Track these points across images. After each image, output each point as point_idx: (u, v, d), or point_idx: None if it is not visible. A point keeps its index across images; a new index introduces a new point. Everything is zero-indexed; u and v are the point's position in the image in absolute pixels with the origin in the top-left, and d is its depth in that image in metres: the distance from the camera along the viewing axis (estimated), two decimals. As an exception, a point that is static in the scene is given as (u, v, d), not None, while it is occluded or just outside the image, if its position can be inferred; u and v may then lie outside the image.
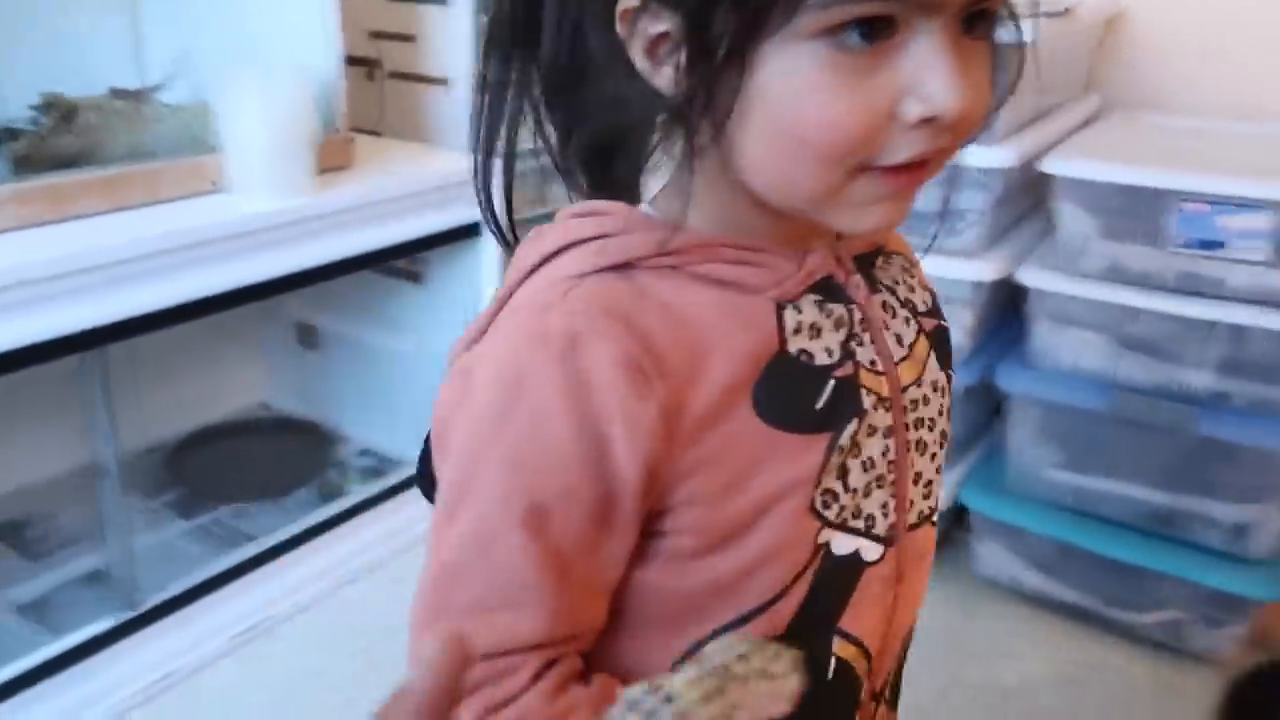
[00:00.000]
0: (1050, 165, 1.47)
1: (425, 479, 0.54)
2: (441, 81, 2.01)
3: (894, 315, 0.54)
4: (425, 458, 0.54)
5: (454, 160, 1.80)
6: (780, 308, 0.49)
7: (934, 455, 0.56)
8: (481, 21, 2.09)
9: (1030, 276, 1.52)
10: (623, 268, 0.48)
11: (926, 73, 0.42)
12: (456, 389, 0.49)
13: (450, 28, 1.97)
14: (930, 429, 0.55)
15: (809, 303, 0.50)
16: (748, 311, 0.49)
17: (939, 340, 0.57)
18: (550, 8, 0.48)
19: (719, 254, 0.49)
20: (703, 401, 0.47)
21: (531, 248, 0.51)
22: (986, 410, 1.68)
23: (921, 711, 1.39)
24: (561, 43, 0.49)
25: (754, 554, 0.48)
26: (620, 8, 0.45)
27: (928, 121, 0.42)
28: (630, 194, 0.52)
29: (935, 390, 0.56)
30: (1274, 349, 1.37)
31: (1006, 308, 1.63)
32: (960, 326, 1.54)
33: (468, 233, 1.71)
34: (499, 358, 0.47)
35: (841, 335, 0.51)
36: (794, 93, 0.42)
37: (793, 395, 0.49)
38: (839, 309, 0.51)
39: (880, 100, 0.42)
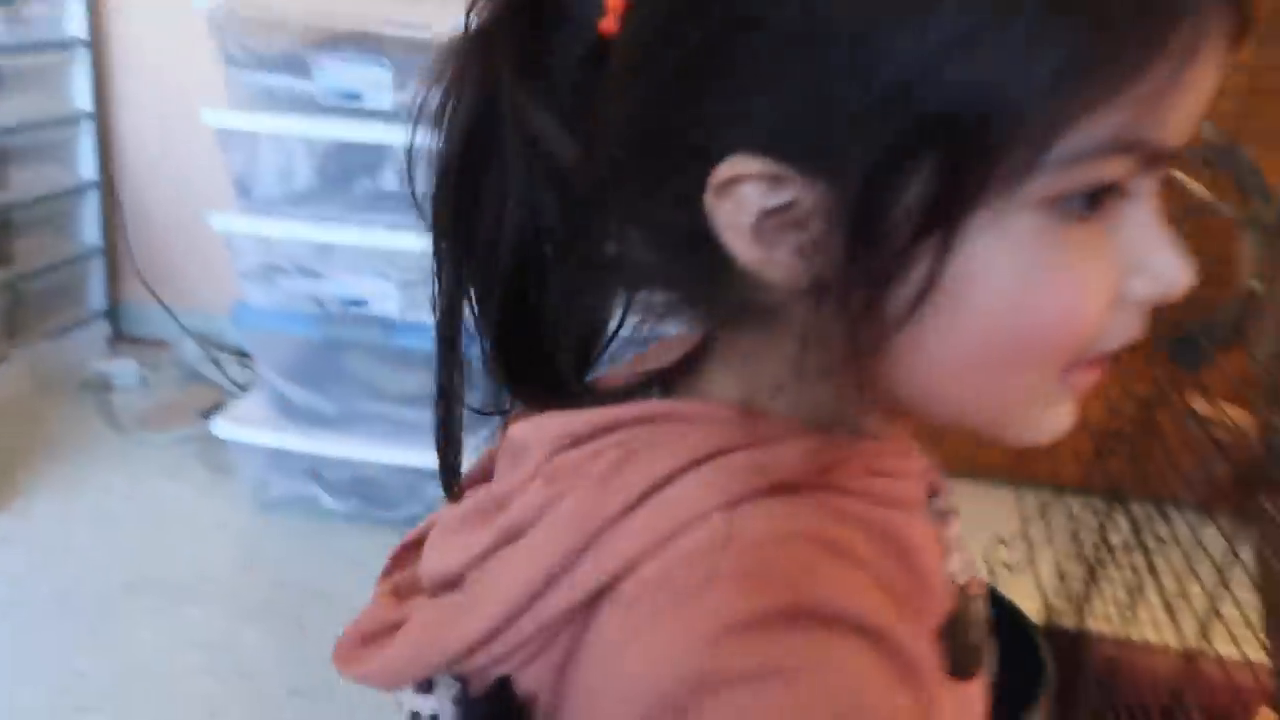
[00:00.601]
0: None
1: None
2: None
3: None
4: None
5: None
6: (937, 525, 0.41)
7: None
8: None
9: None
10: (780, 489, 0.36)
11: (1154, 245, 0.34)
12: None
13: None
14: None
15: (935, 513, 0.42)
16: (920, 534, 0.39)
17: None
18: (519, 176, 0.39)
19: (866, 465, 0.39)
20: (927, 660, 0.35)
21: (605, 486, 0.36)
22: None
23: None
24: (562, 220, 0.39)
25: None
26: (720, 176, 0.34)
27: (1152, 301, 0.35)
28: (559, 391, 0.42)
29: None
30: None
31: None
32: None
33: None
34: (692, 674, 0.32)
35: (957, 546, 0.43)
36: (1018, 278, 0.33)
37: (960, 633, 0.40)
38: (948, 514, 0.43)
39: (1112, 279, 0.34)
